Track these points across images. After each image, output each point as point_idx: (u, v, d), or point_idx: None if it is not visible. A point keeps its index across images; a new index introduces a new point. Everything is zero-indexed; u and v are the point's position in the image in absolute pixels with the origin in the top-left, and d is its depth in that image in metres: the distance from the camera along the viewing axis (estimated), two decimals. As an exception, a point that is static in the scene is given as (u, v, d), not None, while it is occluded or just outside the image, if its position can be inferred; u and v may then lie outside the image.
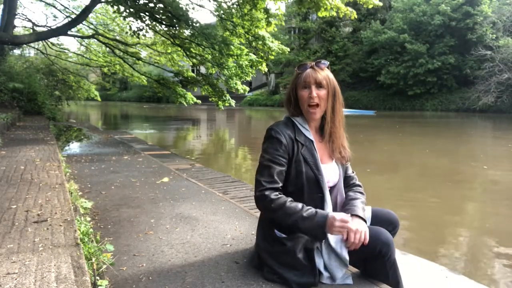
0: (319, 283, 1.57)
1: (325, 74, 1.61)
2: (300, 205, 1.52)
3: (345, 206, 1.66)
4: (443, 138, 12.06)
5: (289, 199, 1.54)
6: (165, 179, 3.80)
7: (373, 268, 1.64)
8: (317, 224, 1.47)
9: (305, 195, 1.60)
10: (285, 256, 1.57)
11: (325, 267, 1.57)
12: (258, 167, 1.62)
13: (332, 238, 1.55)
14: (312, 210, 1.50)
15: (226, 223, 2.46)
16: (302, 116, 1.67)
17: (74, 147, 6.53)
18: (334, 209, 1.70)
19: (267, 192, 1.53)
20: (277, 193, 1.54)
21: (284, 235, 1.61)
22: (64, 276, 1.34)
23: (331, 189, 1.71)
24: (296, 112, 1.67)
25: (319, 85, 1.59)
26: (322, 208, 1.58)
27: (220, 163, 7.34)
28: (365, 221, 1.56)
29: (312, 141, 1.64)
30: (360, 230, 1.48)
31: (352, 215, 1.56)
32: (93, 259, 1.62)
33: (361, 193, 1.74)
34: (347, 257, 1.53)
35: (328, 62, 1.67)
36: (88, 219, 2.36)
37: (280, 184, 1.57)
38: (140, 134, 11.60)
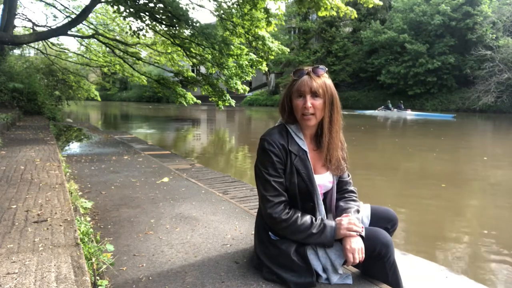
0: (317, 283, 1.58)
1: (321, 81, 1.53)
2: (308, 220, 1.53)
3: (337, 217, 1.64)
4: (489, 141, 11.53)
5: (298, 215, 1.54)
6: (165, 179, 3.80)
7: (373, 269, 1.64)
8: (325, 238, 1.51)
9: (297, 204, 1.60)
10: (281, 257, 1.57)
11: (323, 270, 1.57)
12: (258, 181, 1.60)
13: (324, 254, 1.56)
14: (320, 224, 1.52)
15: (226, 223, 2.46)
16: (297, 124, 1.62)
17: (74, 147, 6.53)
18: (329, 209, 1.71)
19: (277, 209, 1.54)
20: (287, 210, 1.55)
21: (277, 237, 1.62)
22: (64, 276, 1.35)
23: (325, 194, 1.70)
24: (290, 119, 1.62)
25: (314, 94, 1.52)
26: (314, 216, 1.58)
27: (220, 163, 7.34)
28: (361, 236, 1.53)
29: (306, 151, 1.59)
30: (355, 248, 1.48)
31: None
32: (93, 259, 1.62)
33: (353, 200, 1.69)
34: (339, 266, 1.55)
35: (326, 68, 1.58)
36: (88, 219, 2.36)
37: (286, 196, 1.57)
38: (140, 134, 11.60)
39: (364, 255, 1.48)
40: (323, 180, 1.64)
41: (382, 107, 25.76)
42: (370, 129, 15.02)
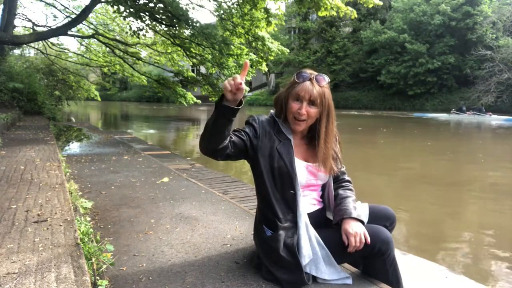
0: (314, 282, 1.58)
1: (322, 91, 1.55)
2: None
3: (336, 206, 1.66)
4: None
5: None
6: (165, 179, 3.80)
7: (373, 267, 1.64)
8: (216, 105, 1.41)
9: (277, 191, 1.60)
10: (272, 254, 1.58)
11: (316, 267, 1.57)
12: None
13: (322, 251, 1.55)
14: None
15: (226, 223, 2.46)
16: (287, 122, 1.65)
17: (74, 147, 6.53)
18: (328, 204, 1.72)
19: None
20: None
21: (270, 232, 1.62)
22: (64, 276, 1.35)
23: (322, 188, 1.72)
24: (281, 116, 1.66)
25: (312, 103, 1.55)
26: (295, 206, 1.59)
27: (220, 163, 7.33)
28: (361, 221, 1.55)
29: (290, 140, 1.63)
30: (359, 232, 1.50)
31: (346, 218, 1.56)
32: (93, 259, 1.62)
33: (350, 190, 1.73)
34: (327, 270, 1.55)
35: (329, 80, 1.60)
36: (88, 219, 2.36)
37: (233, 141, 1.53)
38: (140, 134, 11.60)
39: (368, 238, 1.49)
40: (316, 169, 1.65)
41: (454, 110, 22.90)
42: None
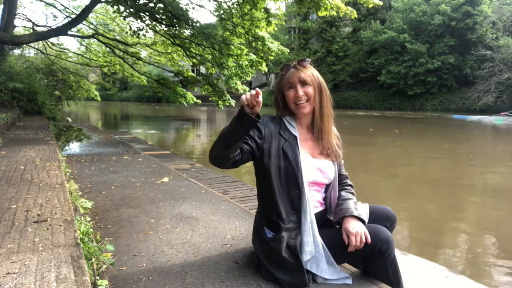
0: (313, 283, 1.58)
1: (309, 72, 1.63)
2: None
3: (338, 206, 1.67)
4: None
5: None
6: (165, 179, 3.80)
7: (373, 266, 1.64)
8: (235, 114, 1.48)
9: (283, 191, 1.60)
10: (273, 256, 1.58)
11: (317, 266, 1.57)
12: None
13: (324, 250, 1.56)
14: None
15: (226, 223, 2.46)
16: (292, 115, 1.70)
17: (74, 147, 6.53)
18: (329, 207, 1.72)
19: None
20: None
21: (271, 234, 1.62)
22: (64, 276, 1.34)
23: (327, 187, 1.73)
24: (285, 112, 1.70)
25: (304, 83, 1.61)
26: (300, 206, 1.59)
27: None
28: (362, 221, 1.56)
29: (296, 137, 1.65)
30: (360, 231, 1.50)
31: (348, 216, 1.57)
32: (93, 259, 1.62)
33: (352, 193, 1.75)
34: (328, 270, 1.56)
35: (310, 59, 1.68)
36: (88, 219, 2.36)
37: (240, 153, 1.57)
38: (140, 134, 11.60)
39: (369, 237, 1.49)
40: (324, 166, 1.67)
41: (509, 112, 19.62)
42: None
